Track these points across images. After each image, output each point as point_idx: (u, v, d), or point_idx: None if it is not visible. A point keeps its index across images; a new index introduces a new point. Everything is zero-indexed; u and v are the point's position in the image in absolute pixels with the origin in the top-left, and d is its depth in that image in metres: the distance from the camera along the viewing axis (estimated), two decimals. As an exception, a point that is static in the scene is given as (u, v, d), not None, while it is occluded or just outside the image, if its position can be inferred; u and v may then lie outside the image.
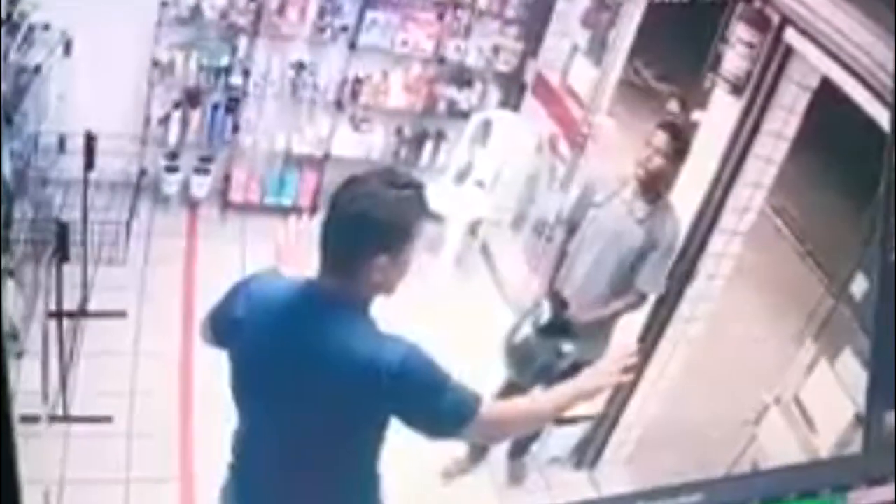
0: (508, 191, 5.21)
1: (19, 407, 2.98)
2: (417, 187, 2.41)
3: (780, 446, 3.90)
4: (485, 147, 5.22)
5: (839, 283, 3.85)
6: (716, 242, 4.29)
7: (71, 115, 4.61)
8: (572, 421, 4.46)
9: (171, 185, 5.14)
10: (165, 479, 3.94)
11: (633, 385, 4.33)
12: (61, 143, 4.61)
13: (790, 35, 4.01)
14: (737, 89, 4.24)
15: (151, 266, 4.77)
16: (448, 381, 2.38)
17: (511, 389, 4.03)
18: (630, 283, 4.11)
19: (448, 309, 4.54)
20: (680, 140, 4.06)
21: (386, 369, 2.31)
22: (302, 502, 2.54)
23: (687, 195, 4.19)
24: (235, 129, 5.14)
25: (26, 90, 4.41)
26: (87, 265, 4.42)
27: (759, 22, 4.17)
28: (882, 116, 3.52)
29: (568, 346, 3.95)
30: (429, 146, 5.37)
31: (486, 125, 5.24)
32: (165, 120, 5.02)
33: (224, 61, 5.01)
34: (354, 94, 5.22)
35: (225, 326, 2.52)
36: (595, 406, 4.39)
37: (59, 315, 4.04)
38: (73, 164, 4.48)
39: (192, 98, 5.04)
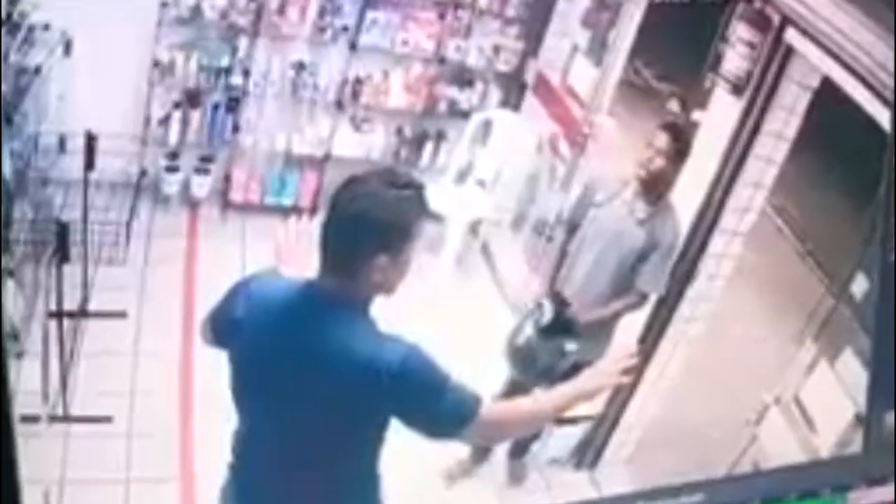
0: (509, 191, 5.21)
1: (19, 407, 2.98)
2: (417, 187, 2.41)
3: (780, 446, 3.90)
4: (485, 147, 5.22)
5: (839, 283, 3.85)
6: (716, 243, 4.29)
7: (71, 115, 4.61)
8: (573, 421, 4.46)
9: (172, 185, 5.15)
10: (165, 479, 3.94)
11: (633, 385, 4.33)
12: (61, 144, 4.61)
13: (791, 35, 4.01)
14: (737, 89, 4.23)
15: (152, 266, 4.77)
16: (448, 381, 2.38)
17: (513, 389, 4.03)
18: (630, 283, 4.10)
19: (448, 309, 4.54)
20: (681, 141, 4.06)
21: (386, 369, 2.31)
22: (302, 502, 2.54)
23: (687, 195, 4.19)
24: (236, 129, 5.14)
25: (26, 90, 4.41)
26: (88, 265, 4.42)
27: (760, 22, 4.17)
28: (882, 116, 3.51)
29: (571, 345, 3.95)
30: (429, 146, 5.37)
31: (487, 125, 5.24)
32: (166, 120, 5.02)
33: (224, 61, 5.02)
34: (355, 94, 5.23)
35: (225, 327, 2.51)
36: (595, 406, 4.39)
37: (59, 315, 4.04)
38: (73, 164, 4.48)
39: (192, 98, 5.04)
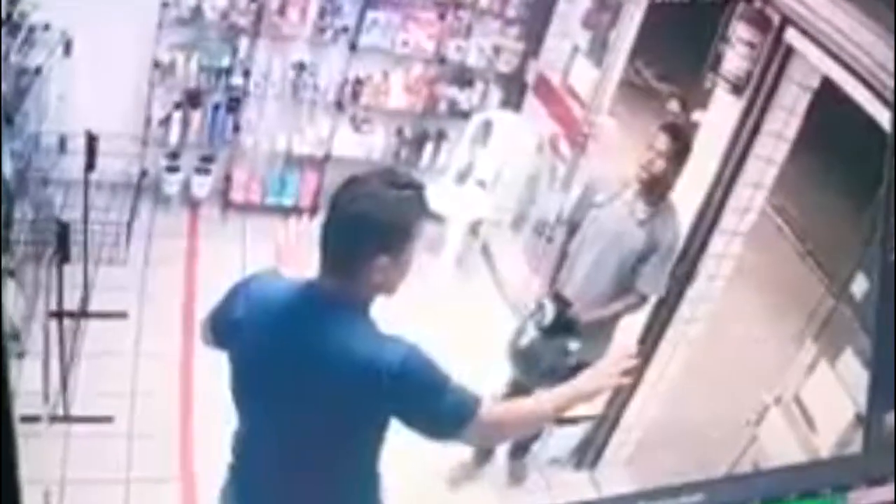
0: (509, 191, 5.20)
1: (20, 407, 2.98)
2: (418, 188, 2.41)
3: (780, 446, 3.90)
4: (485, 147, 5.22)
5: (840, 283, 3.85)
6: (716, 243, 4.29)
7: (71, 115, 4.61)
8: (573, 421, 4.46)
9: (172, 185, 5.14)
10: (166, 480, 3.94)
11: (633, 385, 4.33)
12: (62, 144, 4.61)
13: (791, 35, 4.01)
14: (737, 89, 4.23)
15: (152, 266, 4.77)
16: (448, 382, 2.38)
17: (516, 390, 4.03)
18: (631, 284, 4.11)
19: (448, 309, 4.54)
20: (681, 142, 4.07)
21: (386, 370, 2.31)
22: (302, 502, 2.54)
23: (687, 195, 4.19)
24: (236, 129, 5.14)
25: (27, 91, 4.41)
26: (88, 265, 4.41)
27: (760, 22, 4.17)
28: (882, 116, 3.51)
29: (574, 344, 3.96)
30: (429, 146, 5.37)
31: (487, 125, 5.23)
32: (166, 120, 5.02)
33: (225, 62, 5.02)
34: (355, 95, 5.22)
35: (225, 327, 2.52)
36: (596, 406, 4.39)
37: (59, 315, 4.04)
38: (73, 164, 4.47)
39: (192, 98, 5.04)
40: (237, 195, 5.27)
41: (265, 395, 2.44)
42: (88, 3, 4.44)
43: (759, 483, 3.49)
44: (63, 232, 3.95)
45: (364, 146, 5.31)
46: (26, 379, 3.84)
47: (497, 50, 5.32)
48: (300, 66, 5.12)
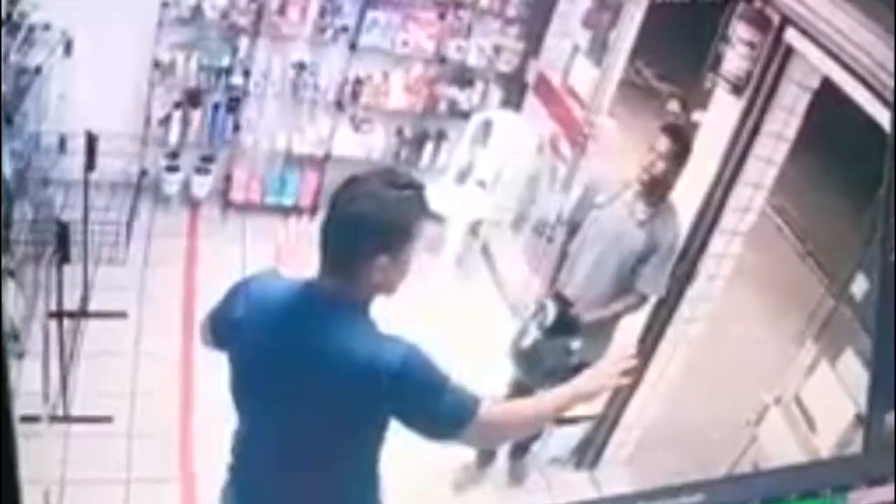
0: (509, 191, 5.20)
1: (20, 407, 2.98)
2: (418, 187, 2.41)
3: (780, 447, 3.90)
4: (486, 147, 5.21)
5: (840, 284, 3.85)
6: (716, 243, 4.29)
7: (71, 115, 4.61)
8: (573, 421, 4.46)
9: (172, 184, 5.14)
10: (165, 480, 3.94)
11: (633, 385, 4.32)
12: (62, 144, 4.61)
13: (790, 35, 4.01)
14: (737, 89, 4.23)
15: (152, 266, 4.77)
16: (447, 382, 2.38)
17: (518, 391, 4.04)
18: (631, 284, 4.11)
19: (448, 309, 4.54)
20: (682, 143, 4.07)
21: (386, 370, 2.31)
22: (301, 503, 2.54)
23: (687, 195, 4.19)
24: (236, 128, 5.14)
25: (27, 90, 4.41)
26: (88, 265, 4.41)
27: (760, 22, 4.17)
28: (882, 116, 3.51)
29: (576, 344, 3.97)
30: (429, 146, 5.37)
31: (487, 125, 5.23)
32: (166, 120, 5.02)
33: (225, 61, 5.01)
34: (355, 95, 5.22)
35: (224, 328, 2.52)
36: (596, 406, 4.39)
37: (59, 315, 4.04)
38: (73, 164, 4.47)
39: (192, 98, 5.04)
40: (237, 195, 5.27)
41: (265, 395, 2.44)
42: (88, 3, 4.44)
43: (759, 483, 3.49)
44: (63, 232, 3.95)
45: (364, 146, 5.30)
46: (26, 379, 3.84)
47: (497, 50, 5.32)
48: (300, 66, 5.12)
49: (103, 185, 4.68)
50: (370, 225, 2.33)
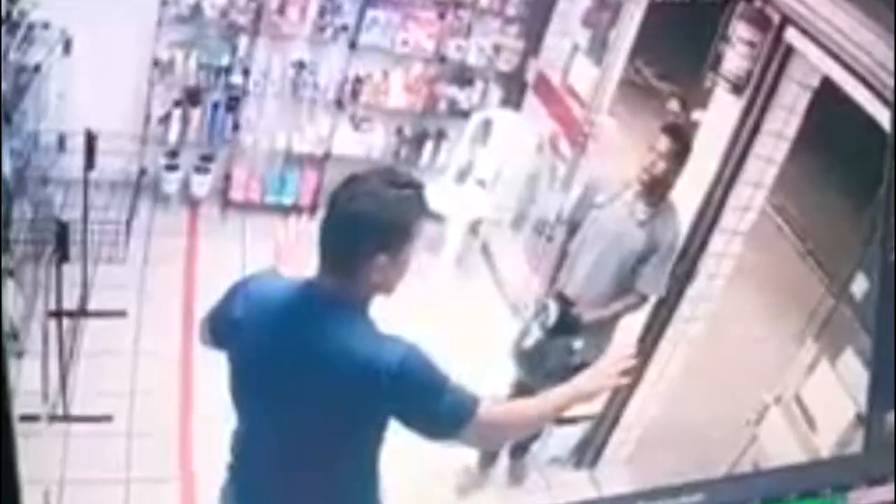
0: (509, 190, 5.20)
1: (19, 406, 2.97)
2: (417, 187, 2.41)
3: (780, 446, 3.90)
4: (485, 146, 5.21)
5: (840, 283, 3.85)
6: (716, 242, 4.29)
7: (71, 113, 4.61)
8: (573, 421, 4.46)
9: (172, 183, 5.14)
10: (165, 479, 3.94)
11: (633, 385, 4.32)
12: (61, 142, 4.60)
13: (791, 34, 4.01)
14: (737, 89, 4.23)
15: (151, 265, 4.76)
16: (446, 382, 2.38)
17: (520, 391, 4.03)
18: (631, 284, 4.11)
19: (448, 309, 4.53)
20: (682, 142, 4.07)
21: (385, 369, 2.31)
22: (301, 502, 2.54)
23: (687, 195, 4.18)
24: (236, 127, 5.14)
25: (26, 89, 4.41)
26: (87, 264, 4.41)
27: (760, 21, 4.16)
28: (882, 116, 3.51)
29: (578, 343, 3.97)
30: (429, 146, 5.37)
31: (487, 124, 5.23)
32: (166, 119, 5.02)
33: (224, 60, 5.01)
34: (355, 94, 5.22)
35: (223, 327, 2.51)
36: (595, 406, 4.38)
37: (58, 314, 4.03)
38: (72, 163, 4.47)
39: (192, 97, 5.03)
40: (237, 194, 5.27)
41: (264, 394, 2.44)
42: (88, 2, 4.44)
43: (759, 483, 3.49)
44: (62, 231, 3.95)
45: (364, 145, 5.30)
46: (25, 378, 3.83)
47: (497, 49, 5.31)
48: (300, 65, 5.12)
49: (103, 183, 4.68)
50: (369, 224, 2.33)
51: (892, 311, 3.37)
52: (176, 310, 4.52)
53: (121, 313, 4.40)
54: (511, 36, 5.33)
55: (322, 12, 5.05)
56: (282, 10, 5.01)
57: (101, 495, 3.80)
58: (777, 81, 4.10)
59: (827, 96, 3.90)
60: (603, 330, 4.09)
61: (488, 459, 4.31)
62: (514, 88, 5.41)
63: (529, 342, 4.05)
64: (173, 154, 5.10)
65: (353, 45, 5.12)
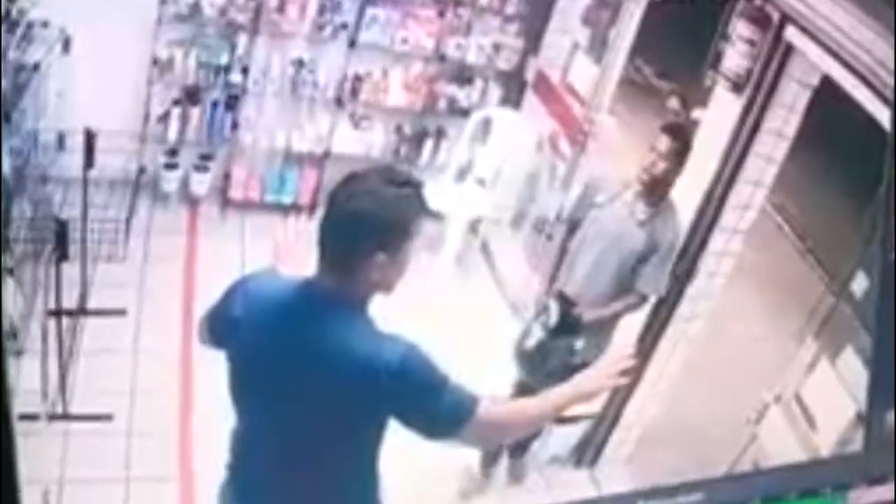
0: (509, 189, 5.20)
1: (19, 405, 2.97)
2: (417, 185, 2.40)
3: (780, 445, 3.90)
4: (485, 145, 5.21)
5: (840, 282, 3.84)
6: (716, 241, 4.29)
7: (70, 112, 4.60)
8: (573, 420, 4.45)
9: (171, 182, 5.14)
10: (165, 478, 3.94)
11: (633, 384, 4.32)
12: (60, 141, 4.60)
13: (791, 33, 4.00)
14: (737, 87, 4.23)
15: (151, 264, 4.76)
16: (446, 381, 2.37)
17: (522, 391, 4.03)
18: (631, 284, 4.11)
19: (448, 308, 4.53)
20: (682, 142, 4.07)
21: (385, 369, 2.30)
22: (300, 502, 2.53)
23: (687, 193, 4.18)
24: (235, 126, 5.14)
25: (25, 87, 4.41)
26: (87, 263, 4.41)
27: (760, 19, 4.16)
28: (882, 115, 3.51)
29: (580, 343, 3.97)
30: (429, 144, 5.36)
31: (487, 123, 5.23)
32: (165, 117, 5.02)
33: (223, 59, 5.01)
34: (354, 92, 5.22)
35: (223, 326, 2.51)
36: (595, 405, 4.38)
37: (58, 313, 4.03)
38: (72, 161, 4.47)
39: (191, 95, 5.03)
40: (236, 193, 5.27)
41: (263, 393, 2.43)
42: (87, 1, 4.44)
43: (760, 482, 3.48)
44: (62, 230, 3.95)
45: (363, 143, 5.30)
46: (25, 377, 3.83)
47: (496, 47, 5.31)
48: (299, 63, 5.12)
49: (102, 182, 4.68)
50: (369, 223, 2.33)
51: (893, 310, 3.37)
52: (175, 308, 4.52)
53: (120, 312, 4.40)
54: (511, 34, 5.32)
55: (321, 10, 5.05)
56: (281, 9, 5.00)
57: (101, 494, 3.80)
58: (777, 80, 4.10)
59: (827, 95, 3.90)
60: (603, 330, 4.09)
61: (490, 459, 4.31)
62: (514, 87, 5.41)
63: (531, 342, 4.05)
64: (173, 153, 5.10)
65: (352, 44, 5.12)
